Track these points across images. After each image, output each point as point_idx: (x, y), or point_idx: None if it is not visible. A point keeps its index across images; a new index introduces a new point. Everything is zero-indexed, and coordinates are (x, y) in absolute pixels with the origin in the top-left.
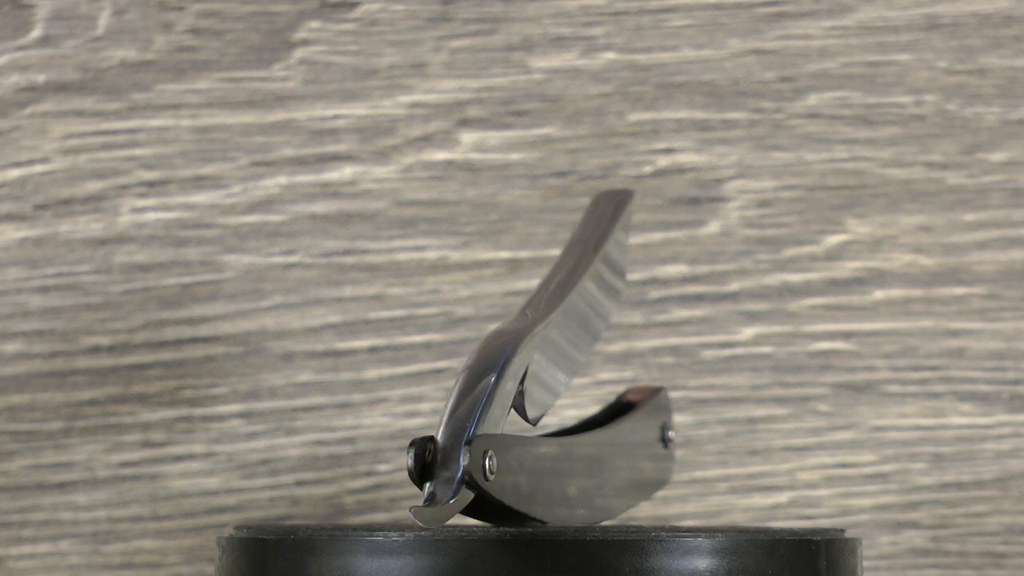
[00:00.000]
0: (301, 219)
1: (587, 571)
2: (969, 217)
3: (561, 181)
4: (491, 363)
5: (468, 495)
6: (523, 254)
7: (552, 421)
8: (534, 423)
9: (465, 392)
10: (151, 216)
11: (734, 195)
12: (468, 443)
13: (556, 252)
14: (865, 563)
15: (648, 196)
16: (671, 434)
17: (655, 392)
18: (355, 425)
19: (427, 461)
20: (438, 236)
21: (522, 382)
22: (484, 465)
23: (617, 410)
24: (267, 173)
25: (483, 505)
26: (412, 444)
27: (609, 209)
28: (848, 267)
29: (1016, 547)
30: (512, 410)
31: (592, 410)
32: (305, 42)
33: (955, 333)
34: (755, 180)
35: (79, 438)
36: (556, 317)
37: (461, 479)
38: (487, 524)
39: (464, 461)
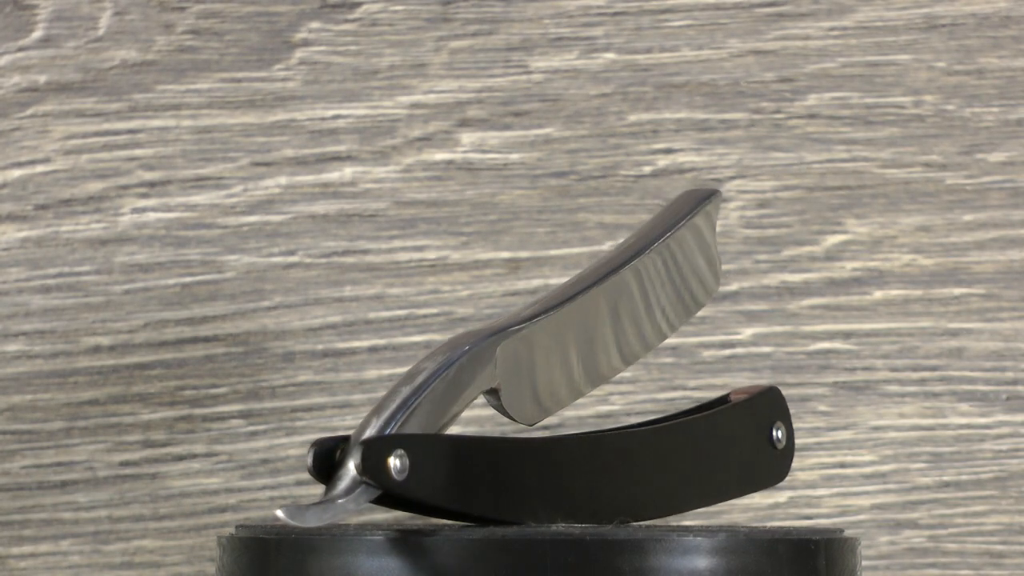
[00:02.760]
0: (301, 219)
1: (587, 571)
2: (968, 217)
3: (561, 181)
4: (433, 362)
5: (368, 494)
6: (523, 254)
7: (552, 421)
8: (529, 424)
9: (395, 392)
10: (152, 216)
11: (733, 195)
12: (362, 442)
13: (556, 252)
14: (864, 563)
15: (648, 196)
16: (778, 434)
17: (763, 391)
18: (355, 425)
19: (336, 461)
20: (438, 236)
21: (493, 382)
22: (389, 464)
23: (707, 407)
24: (267, 173)
25: (410, 504)
26: (313, 445)
27: (679, 208)
28: (847, 267)
29: (1014, 547)
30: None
31: (592, 411)
32: (305, 43)
33: (954, 333)
34: (754, 180)
35: (80, 438)
36: (558, 317)
37: (355, 479)
38: (469, 524)
39: (356, 460)
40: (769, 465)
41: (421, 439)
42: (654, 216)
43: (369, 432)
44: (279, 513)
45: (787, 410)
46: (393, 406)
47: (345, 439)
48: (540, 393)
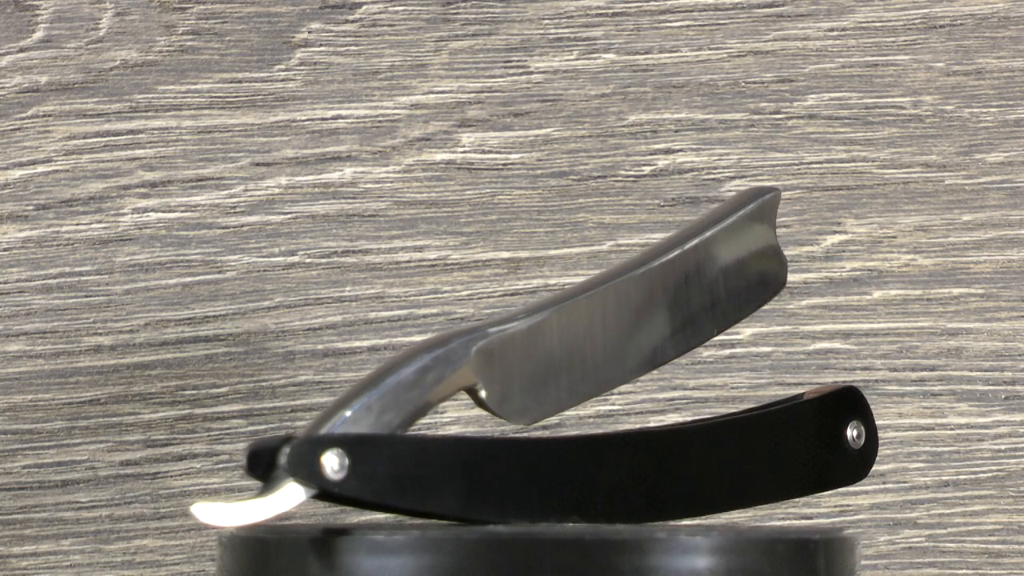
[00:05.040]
0: (302, 219)
1: (587, 571)
2: (967, 217)
3: (561, 181)
4: (395, 363)
5: (300, 493)
6: (523, 254)
7: (551, 420)
8: (526, 424)
9: (347, 393)
10: (153, 216)
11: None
12: (290, 442)
13: (556, 252)
14: (863, 562)
15: (647, 197)
16: (853, 433)
17: (836, 391)
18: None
19: (275, 460)
20: (438, 236)
21: (474, 381)
22: (322, 463)
23: (774, 406)
24: (268, 174)
25: (355, 502)
26: (249, 445)
27: (724, 208)
28: (846, 267)
29: (1013, 546)
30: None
31: (592, 410)
32: (306, 43)
33: (953, 333)
34: (754, 180)
35: (81, 437)
36: (558, 316)
37: (286, 478)
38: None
39: (283, 460)
40: (843, 465)
41: (361, 438)
42: (700, 216)
43: (309, 432)
44: (194, 511)
45: (867, 410)
46: (340, 407)
47: (288, 439)
48: (533, 393)
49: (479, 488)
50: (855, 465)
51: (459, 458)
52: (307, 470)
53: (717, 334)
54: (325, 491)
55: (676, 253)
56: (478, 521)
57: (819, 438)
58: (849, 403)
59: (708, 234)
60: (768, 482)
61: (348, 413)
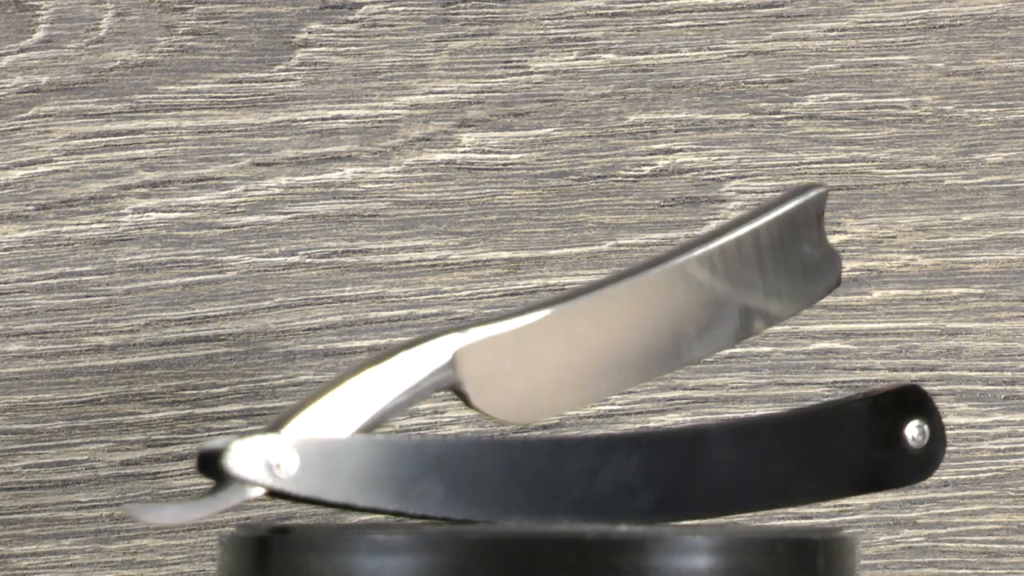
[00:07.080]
0: (302, 219)
1: (587, 570)
2: (966, 217)
3: (561, 181)
4: (366, 363)
5: (245, 492)
6: (523, 254)
7: (551, 420)
8: (523, 424)
9: (309, 393)
10: (153, 216)
11: (733, 195)
12: (234, 442)
13: (556, 252)
14: (863, 562)
15: (647, 197)
16: (913, 432)
17: (893, 390)
18: None
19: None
20: (438, 236)
21: (458, 382)
22: (269, 462)
23: (824, 406)
24: (268, 174)
25: (309, 500)
26: (200, 445)
27: (767, 205)
28: (846, 267)
29: (1012, 545)
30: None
31: (592, 410)
32: (306, 43)
33: (952, 333)
34: (753, 180)
35: (81, 437)
36: (558, 316)
37: (232, 477)
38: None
39: (229, 459)
40: (903, 465)
41: (315, 438)
42: (738, 214)
43: (262, 431)
44: (128, 509)
45: (932, 408)
46: (299, 406)
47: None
48: (530, 393)
49: (453, 488)
50: (917, 464)
51: (429, 458)
52: (253, 469)
53: (756, 332)
54: (273, 490)
55: (700, 252)
56: (456, 520)
57: (873, 438)
58: (911, 402)
59: (739, 233)
60: (809, 482)
61: (305, 412)
